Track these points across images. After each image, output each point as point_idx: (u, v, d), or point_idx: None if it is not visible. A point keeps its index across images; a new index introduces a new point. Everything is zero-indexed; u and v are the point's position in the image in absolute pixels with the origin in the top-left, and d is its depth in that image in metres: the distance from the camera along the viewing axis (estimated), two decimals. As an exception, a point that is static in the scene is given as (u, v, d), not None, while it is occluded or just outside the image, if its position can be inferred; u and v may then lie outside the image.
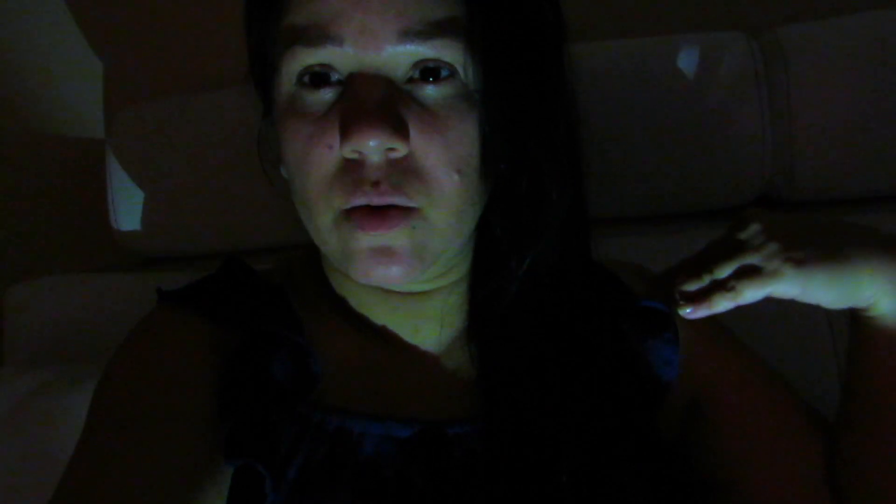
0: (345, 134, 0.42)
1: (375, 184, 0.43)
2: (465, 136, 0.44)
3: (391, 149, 0.42)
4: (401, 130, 0.42)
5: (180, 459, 0.42)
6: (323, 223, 0.45)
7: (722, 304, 0.48)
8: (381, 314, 0.52)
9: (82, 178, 1.03)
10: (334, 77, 0.44)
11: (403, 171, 0.43)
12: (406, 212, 0.44)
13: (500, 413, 0.47)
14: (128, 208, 0.89)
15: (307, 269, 0.56)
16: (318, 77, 0.44)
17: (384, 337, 0.52)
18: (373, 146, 0.42)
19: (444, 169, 0.44)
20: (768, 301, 0.69)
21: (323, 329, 0.52)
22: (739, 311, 0.49)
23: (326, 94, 0.44)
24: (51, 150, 1.05)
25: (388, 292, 0.51)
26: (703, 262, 0.50)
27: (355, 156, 0.43)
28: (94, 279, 0.89)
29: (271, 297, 0.52)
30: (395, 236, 0.44)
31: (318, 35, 0.43)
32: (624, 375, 0.50)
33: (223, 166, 0.85)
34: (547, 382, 0.47)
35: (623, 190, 0.80)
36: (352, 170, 0.43)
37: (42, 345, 0.84)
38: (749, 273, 0.48)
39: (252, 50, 0.49)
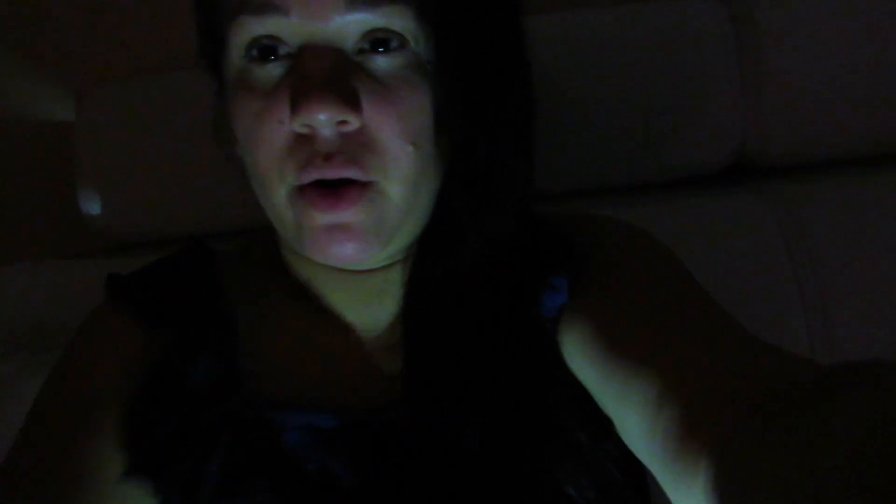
0: (295, 108, 0.41)
1: (328, 157, 0.42)
2: (418, 107, 0.43)
3: (343, 122, 0.42)
4: (352, 102, 0.41)
5: (84, 472, 0.44)
6: (277, 199, 0.45)
7: None
8: (332, 292, 0.51)
9: (51, 161, 1.01)
10: (283, 50, 0.43)
11: (358, 145, 0.42)
12: (362, 187, 0.43)
13: (420, 395, 0.46)
14: (98, 192, 0.87)
15: (265, 248, 0.56)
16: (266, 50, 0.43)
17: (330, 319, 0.52)
18: (323, 119, 0.41)
19: (398, 141, 0.43)
20: (741, 283, 0.70)
21: (265, 314, 0.52)
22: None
23: (276, 69, 0.43)
24: (17, 132, 1.03)
25: (340, 270, 0.50)
26: None
27: (306, 130, 0.42)
28: (65, 265, 0.88)
29: (206, 291, 0.52)
30: (353, 213, 0.43)
31: (263, 4, 0.42)
32: (541, 359, 0.48)
33: (195, 147, 0.84)
34: (469, 365, 0.46)
35: (594, 161, 0.79)
36: (304, 144, 0.43)
37: (13, 333, 0.83)
38: None
39: (201, 26, 0.48)
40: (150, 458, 0.45)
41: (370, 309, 0.51)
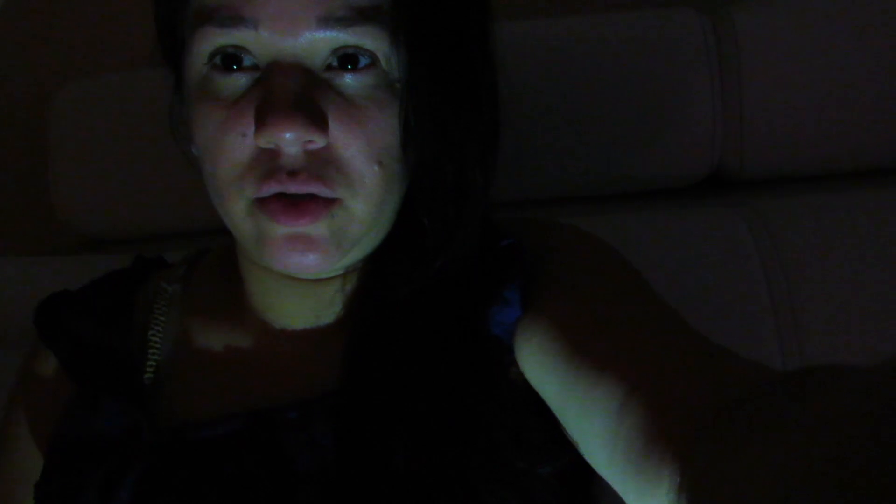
0: (260, 124, 0.41)
1: (293, 173, 0.42)
2: (385, 126, 0.43)
3: (309, 140, 0.41)
4: (318, 122, 0.41)
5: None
6: (235, 211, 0.44)
7: None
8: (283, 301, 0.51)
9: (22, 157, 1.00)
10: (248, 61, 0.42)
11: (323, 162, 0.42)
12: (326, 202, 0.43)
13: (352, 407, 0.46)
14: (70, 189, 0.86)
15: (218, 256, 0.57)
16: (230, 59, 0.42)
17: (273, 327, 0.52)
18: (289, 139, 0.40)
19: (363, 160, 0.43)
20: (715, 295, 0.70)
21: (199, 330, 0.53)
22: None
23: (240, 79, 0.42)
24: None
25: (296, 278, 0.50)
26: None
27: (271, 145, 0.42)
28: (37, 263, 0.87)
29: (122, 328, 0.53)
30: (315, 226, 0.43)
31: (231, 16, 0.41)
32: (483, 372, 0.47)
33: (167, 145, 0.82)
34: (408, 382, 0.46)
35: (570, 169, 0.79)
36: (266, 159, 0.42)
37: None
38: None
39: (160, 21, 0.47)
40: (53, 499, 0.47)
41: (318, 317, 0.51)
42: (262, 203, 0.43)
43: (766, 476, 0.25)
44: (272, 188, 0.42)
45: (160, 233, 0.88)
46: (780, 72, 0.78)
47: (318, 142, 0.41)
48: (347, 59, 0.42)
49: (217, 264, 0.56)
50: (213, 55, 0.42)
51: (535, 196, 0.81)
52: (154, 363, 0.52)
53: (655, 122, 0.77)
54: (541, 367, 0.45)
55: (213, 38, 0.42)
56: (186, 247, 0.67)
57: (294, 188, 0.42)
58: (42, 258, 0.87)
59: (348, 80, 0.42)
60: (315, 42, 0.41)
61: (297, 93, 0.41)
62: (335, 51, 0.42)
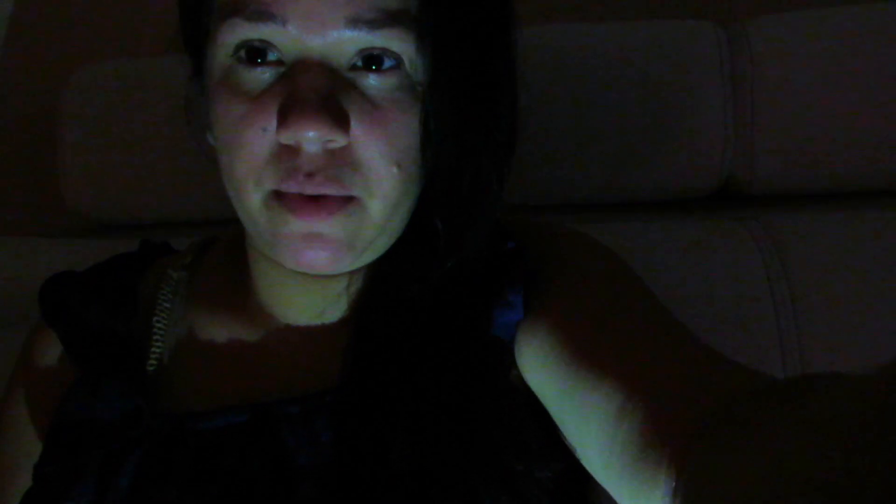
0: (283, 121, 0.41)
1: (310, 174, 0.42)
2: (406, 128, 0.43)
3: (330, 140, 0.41)
4: (341, 122, 0.41)
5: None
6: (252, 204, 0.44)
7: None
8: (290, 296, 0.51)
9: (34, 139, 1.00)
10: (273, 56, 0.42)
11: (341, 163, 0.42)
12: (344, 199, 0.43)
13: (353, 402, 0.46)
14: (79, 174, 0.87)
15: (225, 247, 0.57)
16: (255, 52, 0.42)
17: (278, 320, 0.52)
18: (311, 136, 0.41)
19: (382, 162, 0.43)
20: (719, 308, 0.70)
21: (203, 320, 0.53)
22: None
23: (264, 73, 0.43)
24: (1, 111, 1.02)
25: (305, 274, 0.49)
26: None
27: (291, 142, 0.42)
28: (41, 244, 0.87)
29: (126, 313, 0.53)
30: (329, 224, 0.43)
31: (260, 11, 0.41)
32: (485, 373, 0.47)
33: (178, 133, 0.83)
34: (410, 380, 0.46)
35: (580, 176, 0.79)
36: (286, 156, 0.42)
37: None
38: None
39: (183, 6, 0.47)
40: (50, 487, 0.47)
41: (324, 313, 0.51)
42: (279, 195, 0.43)
43: (760, 480, 0.25)
44: (291, 188, 0.42)
45: (167, 220, 0.88)
46: (792, 87, 0.77)
47: (340, 141, 0.42)
48: (372, 59, 0.42)
49: (224, 254, 0.57)
50: (238, 48, 0.42)
51: (543, 202, 0.81)
52: (157, 351, 0.52)
53: (666, 133, 0.77)
54: (540, 369, 0.45)
55: (240, 31, 0.42)
56: (193, 236, 0.67)
57: (310, 189, 0.42)
58: (46, 239, 0.88)
59: (372, 80, 0.43)
60: (342, 42, 0.41)
61: (322, 92, 0.41)
62: (361, 51, 0.42)
